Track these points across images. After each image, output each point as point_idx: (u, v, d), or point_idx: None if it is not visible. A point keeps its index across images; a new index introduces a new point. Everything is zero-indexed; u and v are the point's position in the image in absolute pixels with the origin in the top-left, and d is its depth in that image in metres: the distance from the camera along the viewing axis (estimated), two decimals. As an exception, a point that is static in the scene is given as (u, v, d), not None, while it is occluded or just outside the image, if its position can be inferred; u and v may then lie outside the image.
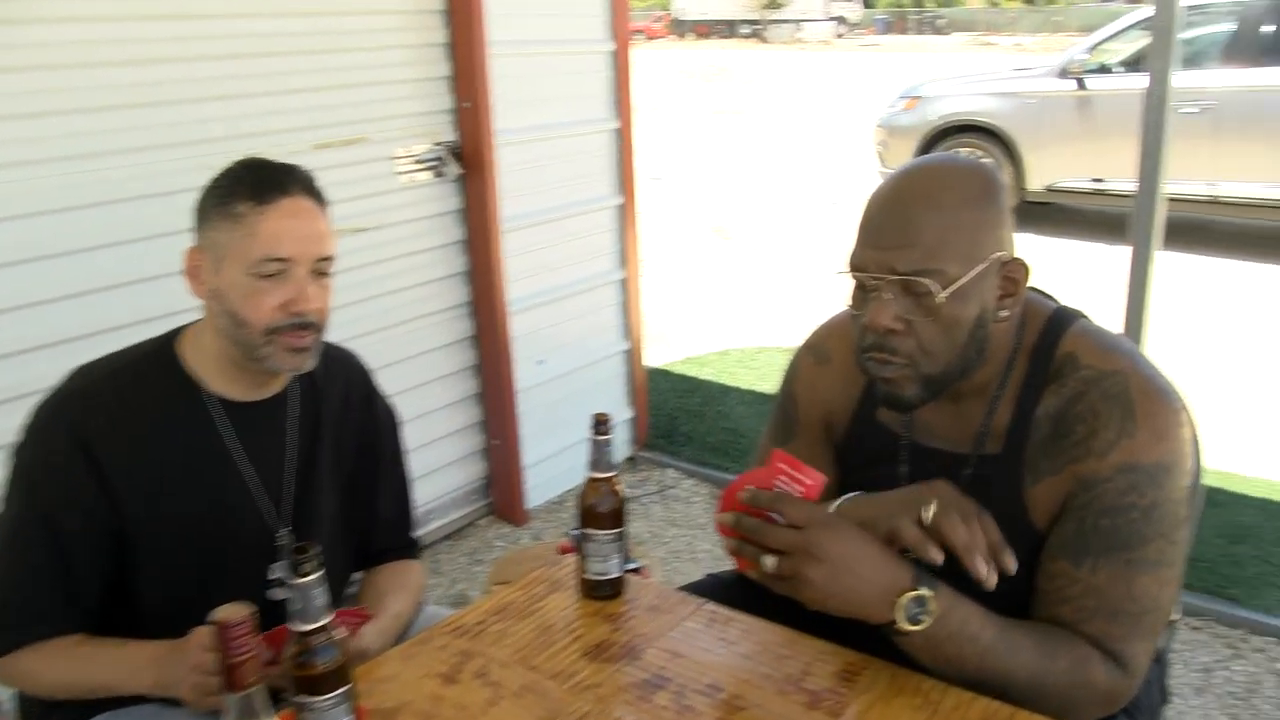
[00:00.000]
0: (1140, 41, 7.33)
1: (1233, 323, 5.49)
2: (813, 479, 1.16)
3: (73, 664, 1.35)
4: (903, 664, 1.21)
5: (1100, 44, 7.46)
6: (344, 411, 1.59)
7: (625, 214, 3.51)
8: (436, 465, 3.14)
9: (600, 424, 1.31)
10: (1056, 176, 7.41)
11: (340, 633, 1.03)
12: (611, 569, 1.36)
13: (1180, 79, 7.10)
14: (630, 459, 3.71)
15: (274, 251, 1.35)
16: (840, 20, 54.14)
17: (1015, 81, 7.83)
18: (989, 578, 1.11)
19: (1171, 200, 7.92)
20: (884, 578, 1.10)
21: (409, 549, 1.72)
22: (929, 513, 1.13)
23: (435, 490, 3.16)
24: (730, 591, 1.48)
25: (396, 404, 1.71)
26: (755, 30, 52.88)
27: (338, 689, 1.02)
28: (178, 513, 1.41)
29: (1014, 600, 1.20)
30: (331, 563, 1.59)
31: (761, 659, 1.24)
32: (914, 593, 1.10)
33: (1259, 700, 2.44)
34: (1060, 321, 1.29)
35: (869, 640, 1.33)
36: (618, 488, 1.34)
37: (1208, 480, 3.40)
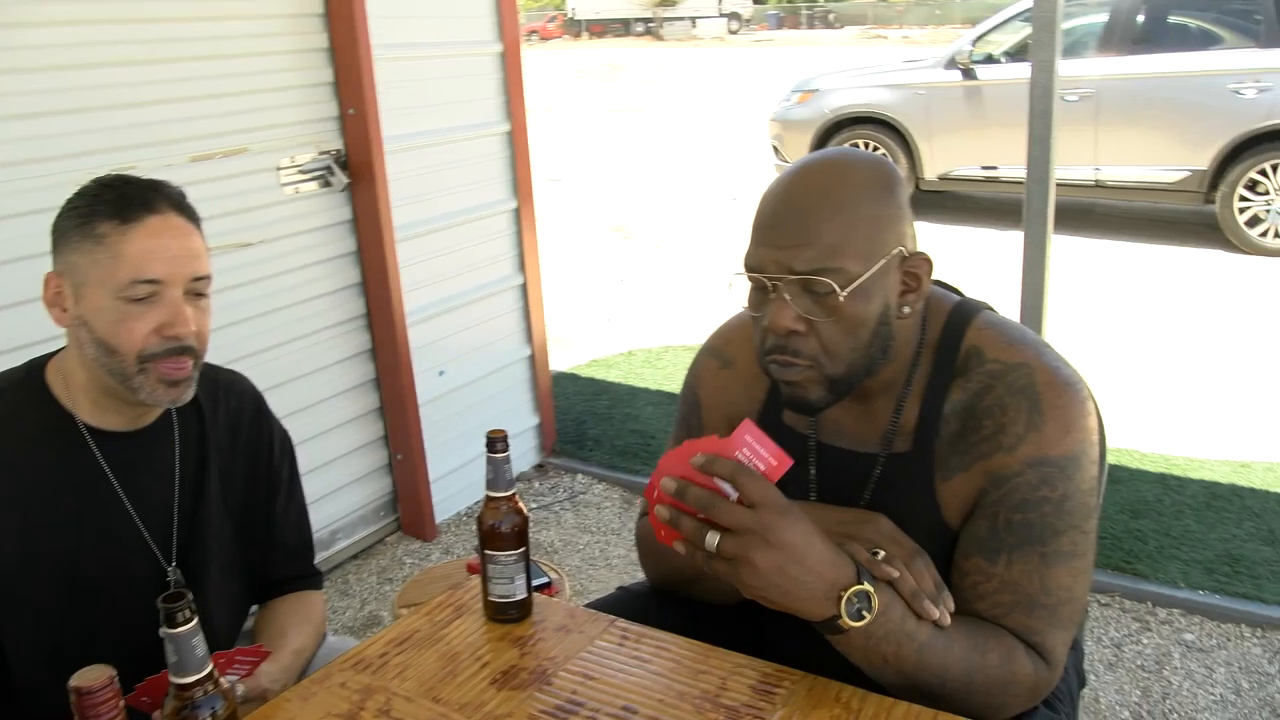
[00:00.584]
0: (1022, 32, 7.52)
1: (1120, 302, 5.65)
2: (778, 460, 1.08)
3: None
4: (821, 673, 1.18)
5: (985, 35, 7.63)
6: (233, 438, 1.51)
7: (522, 218, 3.45)
8: (340, 483, 3.05)
9: (495, 441, 1.25)
10: (950, 165, 7.56)
11: (227, 680, 0.96)
12: (517, 590, 1.31)
13: (1061, 68, 7.32)
14: (539, 466, 3.65)
15: (143, 273, 1.27)
16: (734, 16, 54.63)
17: (906, 73, 7.95)
18: (942, 619, 1.12)
19: (1059, 185, 8.16)
20: (831, 572, 1.06)
21: (309, 579, 1.64)
22: (879, 556, 1.13)
23: (340, 509, 3.07)
24: (641, 603, 1.44)
25: (294, 423, 1.64)
26: (650, 28, 53.09)
27: (225, 743, 0.95)
28: (54, 553, 1.31)
29: None
30: (227, 597, 1.51)
31: (676, 676, 1.20)
32: (858, 587, 1.06)
33: (1168, 672, 2.49)
34: (963, 315, 1.27)
35: (784, 649, 1.32)
36: (518, 506, 1.28)
37: (1108, 457, 3.49)
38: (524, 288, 3.51)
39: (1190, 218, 7.46)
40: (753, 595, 1.08)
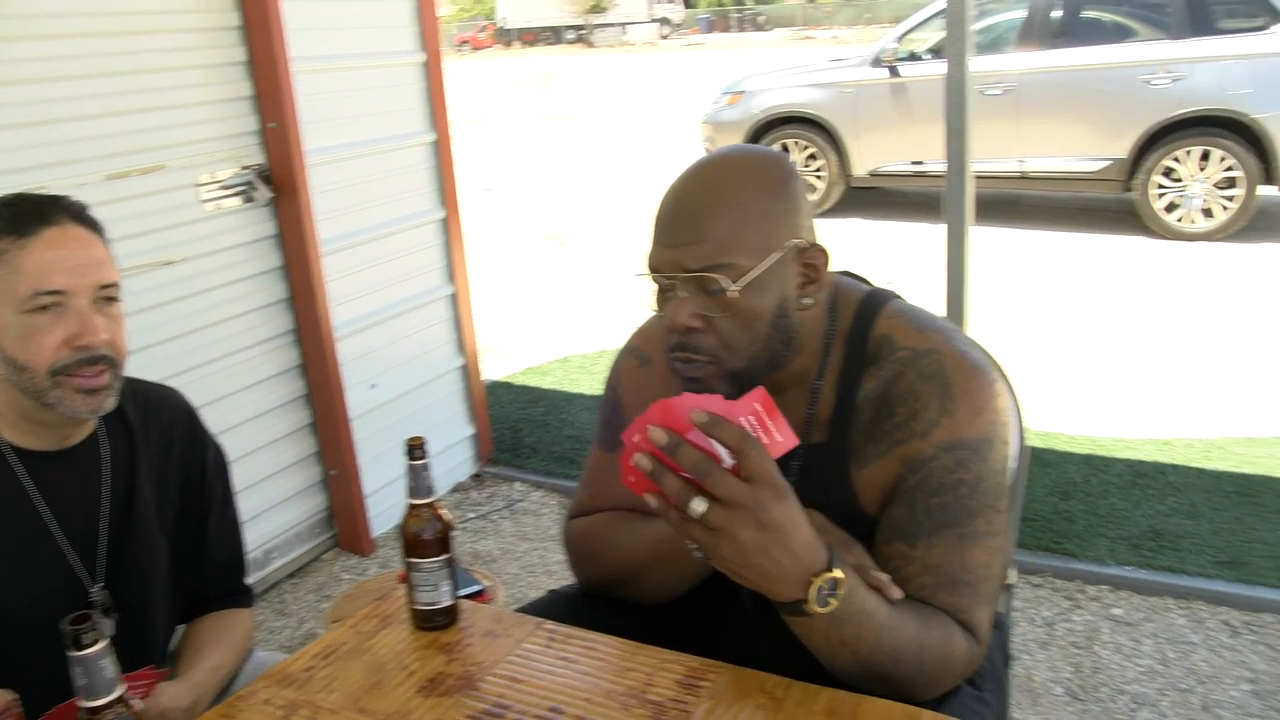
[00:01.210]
0: (940, 29, 7.66)
1: (1047, 290, 5.77)
2: (783, 436, 1.04)
3: None
4: (757, 667, 1.19)
5: (908, 33, 7.75)
6: (165, 455, 1.49)
7: (450, 228, 3.43)
8: (274, 501, 3.02)
9: (414, 449, 1.25)
10: (879, 161, 7.66)
11: (137, 703, 0.96)
12: (442, 597, 1.31)
13: (982, 63, 7.46)
14: (476, 475, 3.64)
15: (44, 285, 1.25)
16: (664, 21, 54.89)
17: (832, 72, 8.04)
18: (898, 594, 1.15)
19: (984, 178, 8.30)
20: (808, 557, 1.05)
21: (238, 597, 1.62)
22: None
23: (275, 527, 3.03)
24: (572, 605, 1.44)
25: (224, 441, 1.61)
26: (581, 35, 53.15)
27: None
28: None
29: None
30: (161, 617, 1.49)
31: (603, 675, 1.21)
32: (830, 574, 1.06)
33: (1098, 647, 2.55)
34: (873, 304, 1.29)
35: (718, 645, 1.33)
36: (441, 512, 1.28)
37: (1036, 442, 3.55)
38: (454, 297, 3.50)
39: (1113, 206, 7.64)
40: (724, 568, 1.06)
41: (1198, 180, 6.56)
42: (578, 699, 1.16)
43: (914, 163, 7.47)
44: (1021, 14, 7.34)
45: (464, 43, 53.89)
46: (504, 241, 7.73)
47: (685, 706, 1.13)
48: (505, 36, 55.31)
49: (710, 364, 1.18)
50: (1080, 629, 2.63)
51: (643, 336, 1.46)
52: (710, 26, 57.16)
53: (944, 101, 2.53)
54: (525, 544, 3.20)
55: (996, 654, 1.48)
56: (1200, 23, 6.67)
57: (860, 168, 7.78)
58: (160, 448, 1.49)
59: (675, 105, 16.53)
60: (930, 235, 7.12)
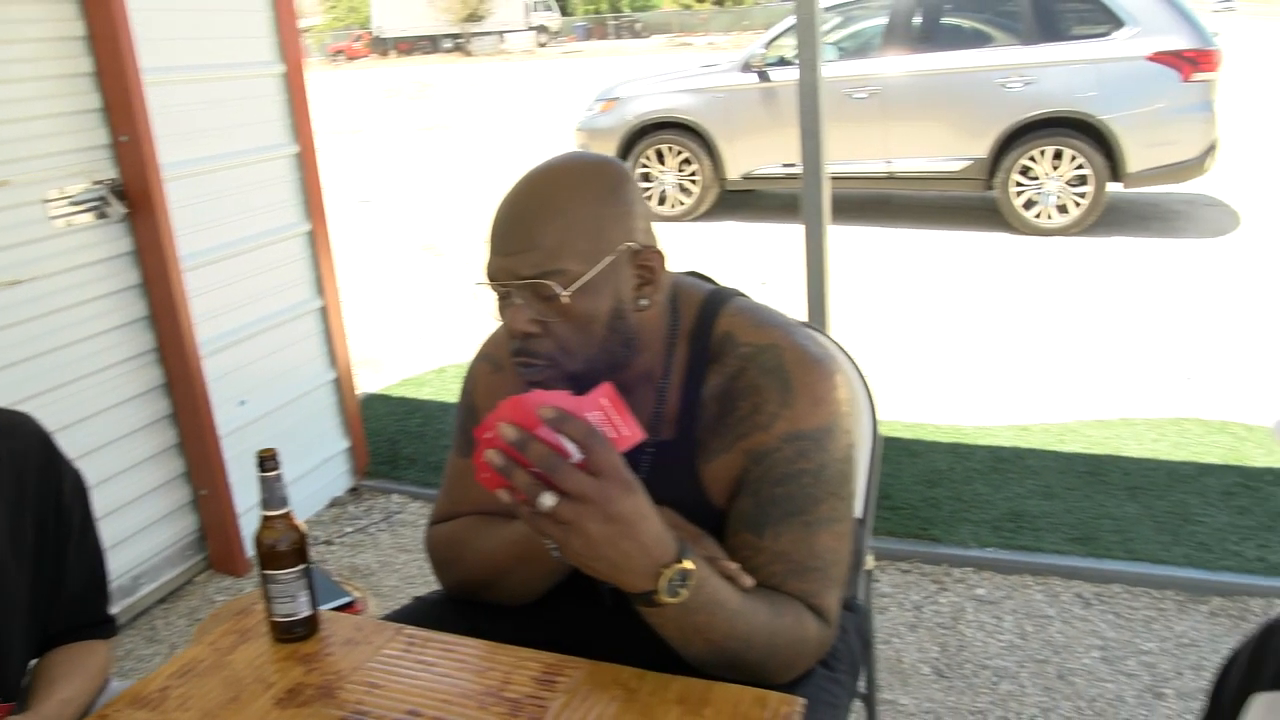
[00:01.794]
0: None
1: (915, 286, 5.97)
2: (630, 431, 1.06)
3: None
4: (608, 659, 1.22)
5: (775, 39, 7.92)
6: (19, 483, 1.43)
7: (317, 240, 3.38)
8: (142, 524, 2.93)
9: (265, 460, 1.25)
10: (751, 165, 7.80)
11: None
12: (301, 608, 1.30)
13: (849, 68, 7.68)
14: (353, 489, 3.59)
15: None
16: (542, 29, 54.86)
17: (704, 78, 8.16)
18: (749, 582, 1.19)
19: (854, 179, 8.52)
20: (657, 549, 1.07)
21: (98, 627, 1.57)
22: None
23: (143, 551, 2.95)
24: (436, 611, 1.45)
25: (85, 465, 1.55)
26: (458, 44, 52.73)
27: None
28: None
29: None
30: (13, 652, 1.44)
31: (462, 676, 1.22)
32: (679, 565, 1.08)
33: (963, 626, 2.66)
34: (715, 302, 1.33)
35: (580, 642, 1.35)
36: (295, 523, 1.28)
37: (904, 433, 3.68)
38: (324, 311, 3.45)
39: (977, 204, 7.95)
40: (575, 561, 1.07)
41: (1052, 178, 6.87)
42: (435, 700, 1.17)
43: (785, 165, 7.63)
44: (885, 20, 7.58)
45: (338, 52, 52.97)
46: (380, 253, 7.63)
47: (542, 702, 1.15)
48: (381, 46, 54.50)
49: (550, 367, 1.21)
50: (946, 610, 2.74)
51: (495, 343, 1.48)
52: (588, 34, 57.36)
53: (798, 105, 2.61)
54: (404, 555, 3.18)
55: (853, 637, 1.54)
56: (1050, 29, 6.99)
57: (733, 171, 7.91)
58: (13, 476, 1.43)
59: (552, 113, 16.55)
60: (803, 236, 7.29)
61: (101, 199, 2.71)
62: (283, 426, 3.30)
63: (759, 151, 7.69)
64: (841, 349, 1.78)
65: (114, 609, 1.62)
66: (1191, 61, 6.48)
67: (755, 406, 1.25)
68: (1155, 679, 2.40)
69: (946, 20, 7.56)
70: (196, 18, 2.96)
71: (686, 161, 8.03)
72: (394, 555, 3.18)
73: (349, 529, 3.35)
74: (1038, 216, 6.97)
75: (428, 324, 5.55)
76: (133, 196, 2.76)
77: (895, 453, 3.55)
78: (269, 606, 1.31)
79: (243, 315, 3.14)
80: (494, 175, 11.20)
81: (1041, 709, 2.33)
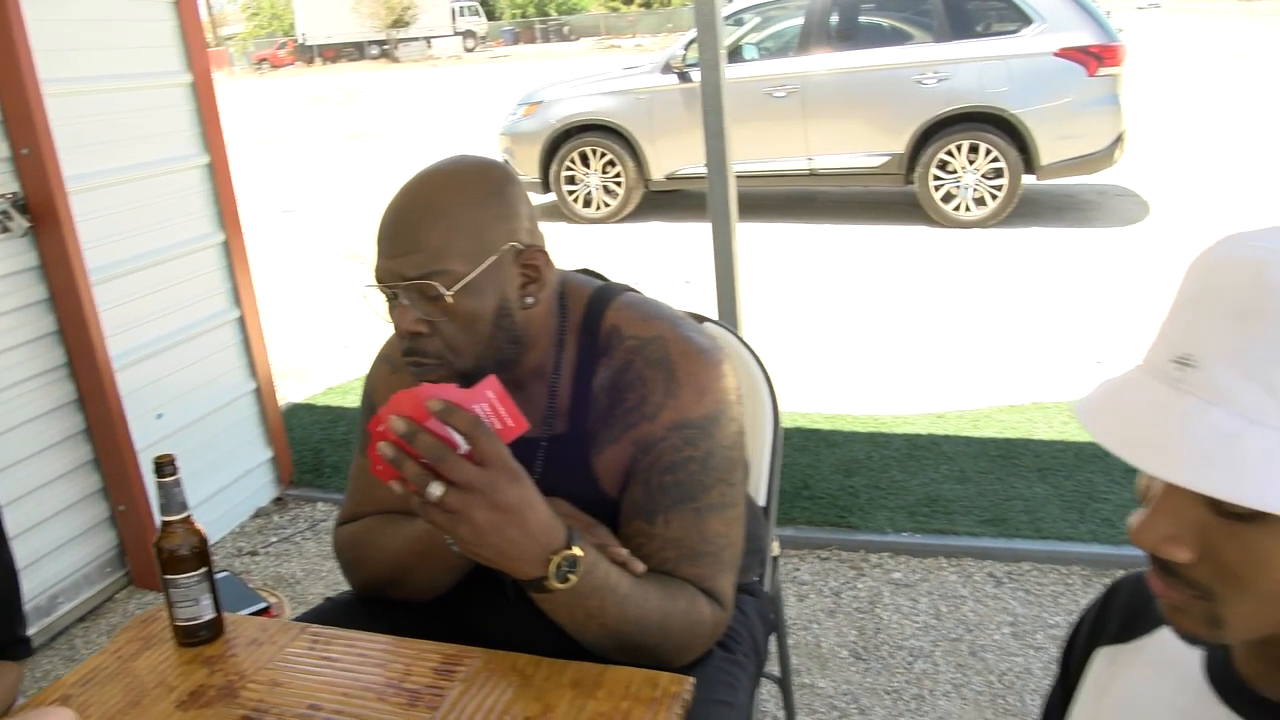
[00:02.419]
0: (731, 35, 7.94)
1: (837, 281, 6.07)
2: (515, 422, 1.09)
3: None
4: (513, 649, 1.24)
5: (694, 40, 7.97)
6: None
7: (232, 250, 3.36)
8: (58, 542, 2.88)
9: (162, 466, 1.26)
10: (675, 165, 7.86)
11: None
12: (203, 611, 1.31)
13: (769, 67, 7.79)
14: (278, 499, 3.57)
15: None
16: (469, 34, 54.53)
17: (625, 80, 8.20)
18: (640, 568, 1.22)
19: (777, 176, 8.63)
20: (545, 536, 1.10)
21: (10, 648, 1.56)
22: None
23: (60, 570, 2.90)
24: (347, 610, 1.46)
25: None
26: (385, 50, 52.21)
27: None
28: None
29: None
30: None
31: (363, 670, 1.24)
32: (568, 552, 1.11)
33: (880, 609, 2.73)
34: (603, 298, 1.36)
35: (487, 634, 1.38)
36: (194, 526, 1.29)
37: (823, 424, 3.73)
38: (241, 321, 3.42)
39: (898, 198, 8.10)
40: (466, 550, 1.10)
41: (969, 172, 7.03)
42: (336, 694, 1.19)
43: (707, 164, 7.68)
44: (802, 21, 7.70)
45: (262, 61, 52.17)
46: (305, 263, 7.55)
47: (440, 691, 1.18)
48: (306, 53, 53.75)
49: (439, 366, 1.23)
50: (864, 595, 2.80)
51: (393, 345, 1.50)
52: (515, 38, 57.19)
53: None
54: (329, 563, 3.17)
55: (755, 621, 1.58)
56: (962, 27, 7.15)
57: (657, 172, 7.97)
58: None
59: (480, 118, 16.49)
60: (710, 234, 7.38)
61: (3, 213, 2.67)
62: (203, 438, 3.27)
63: (682, 152, 7.75)
64: (742, 341, 1.82)
65: (31, 629, 1.60)
66: (1096, 57, 6.68)
67: (642, 398, 1.28)
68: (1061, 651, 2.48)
69: (863, 19, 7.70)
70: (99, 28, 2.93)
71: (611, 163, 8.07)
72: (319, 563, 3.17)
73: (274, 539, 3.33)
74: (956, 209, 7.13)
75: (353, 332, 5.51)
76: (36, 210, 2.71)
77: (815, 444, 3.62)
78: (172, 611, 1.31)
79: (157, 327, 3.11)
80: (421, 181, 11.14)
81: (954, 685, 2.41)
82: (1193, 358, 0.63)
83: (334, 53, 53.03)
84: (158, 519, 3.03)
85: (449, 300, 1.20)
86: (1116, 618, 0.91)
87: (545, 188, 8.30)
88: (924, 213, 7.27)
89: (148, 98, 3.09)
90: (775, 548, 1.83)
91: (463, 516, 1.06)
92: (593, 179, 8.15)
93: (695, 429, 1.27)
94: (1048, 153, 6.86)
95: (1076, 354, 4.44)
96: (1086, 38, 6.71)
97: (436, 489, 1.05)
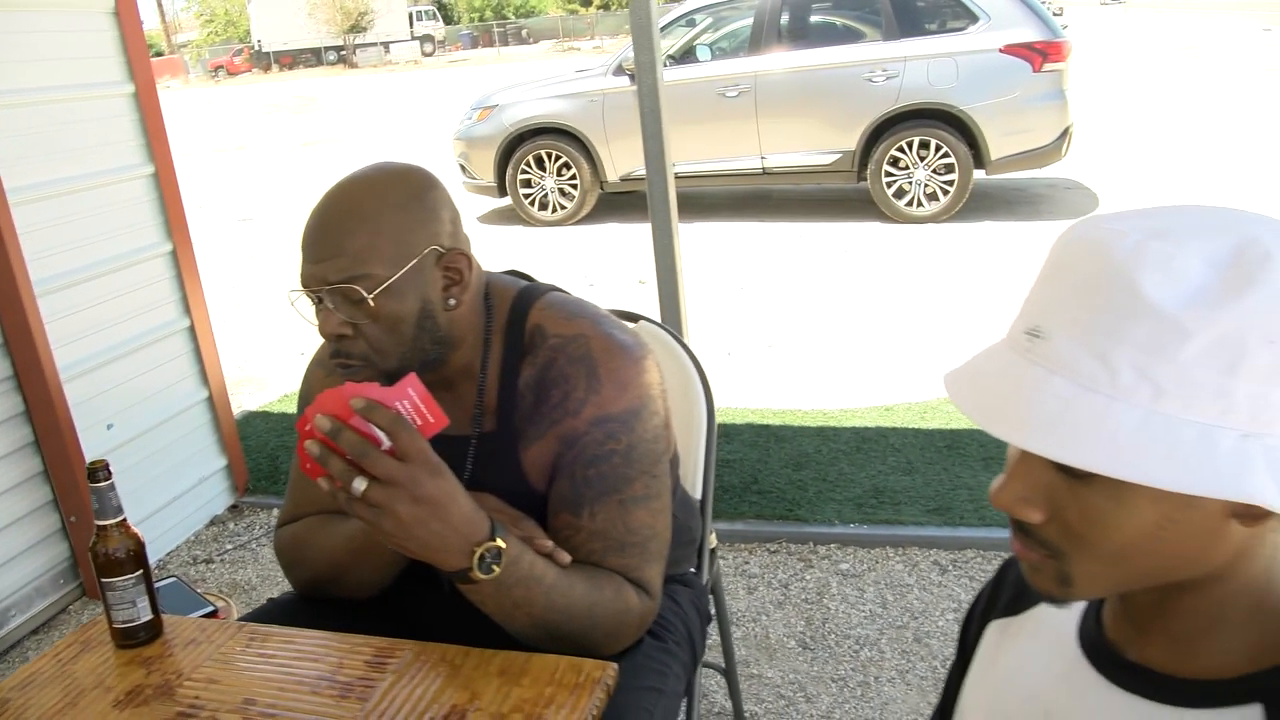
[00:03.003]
0: (684, 36, 8.01)
1: (791, 277, 6.13)
2: (435, 418, 1.13)
3: None
4: (449, 641, 1.27)
5: (646, 43, 8.01)
6: None
7: (181, 260, 3.35)
8: (8, 555, 2.88)
9: (95, 471, 1.28)
10: (629, 167, 7.88)
11: None
12: (141, 613, 1.34)
13: (721, 67, 7.83)
14: (233, 507, 3.57)
15: None
16: (427, 39, 54.34)
17: (578, 82, 8.22)
18: (565, 559, 1.26)
19: (731, 176, 8.67)
20: (468, 528, 1.14)
21: None
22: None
23: (12, 582, 2.90)
24: (289, 610, 1.49)
25: None
26: (342, 56, 51.91)
27: None
28: None
29: None
30: None
31: (297, 665, 1.27)
32: (491, 543, 1.15)
33: (828, 600, 2.77)
34: (527, 298, 1.40)
35: (417, 624, 1.41)
36: (130, 530, 1.32)
37: (772, 420, 3.78)
38: (192, 330, 3.41)
39: (852, 195, 8.19)
40: (391, 543, 1.14)
41: (920, 168, 7.12)
42: (270, 689, 1.22)
43: (646, 166, 7.72)
44: (752, 22, 7.77)
45: (218, 68, 51.71)
46: (262, 271, 7.53)
47: (371, 682, 1.21)
48: (263, 60, 53.33)
49: (365, 367, 1.27)
50: (812, 586, 2.85)
51: (327, 349, 1.53)
52: (474, 42, 57.05)
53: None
54: (284, 570, 3.18)
55: (690, 611, 1.62)
56: (910, 25, 7.25)
57: (612, 174, 8.00)
58: None
59: (437, 123, 16.45)
60: (683, 233, 7.43)
61: (-55, 227, 2.67)
62: (155, 448, 3.27)
63: (636, 153, 7.63)
64: (676, 337, 1.86)
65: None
66: (1042, 53, 6.79)
67: (565, 394, 1.32)
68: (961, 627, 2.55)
69: (813, 19, 7.78)
70: (36, 39, 2.92)
71: (566, 166, 8.09)
72: (274, 569, 3.18)
73: (230, 546, 3.33)
74: (909, 205, 7.22)
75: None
76: (-23, 223, 2.71)
77: (764, 439, 3.67)
78: (109, 614, 1.34)
79: (106, 338, 3.11)
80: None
81: (899, 671, 2.46)
82: (1042, 329, 0.68)
83: (290, 59, 52.65)
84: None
85: (371, 304, 1.23)
86: (1008, 591, 0.96)
87: (501, 191, 8.31)
88: (877, 209, 7.36)
89: (89, 109, 3.09)
90: (713, 540, 1.87)
91: (386, 510, 1.10)
92: (548, 182, 8.17)
93: (617, 423, 1.31)
94: (997, 148, 6.97)
95: (1023, 345, 4.51)
96: (1031, 34, 6.83)
97: (360, 484, 1.09)
